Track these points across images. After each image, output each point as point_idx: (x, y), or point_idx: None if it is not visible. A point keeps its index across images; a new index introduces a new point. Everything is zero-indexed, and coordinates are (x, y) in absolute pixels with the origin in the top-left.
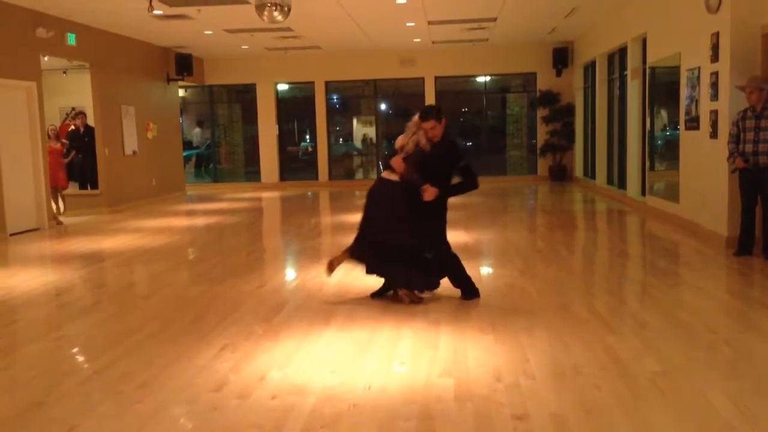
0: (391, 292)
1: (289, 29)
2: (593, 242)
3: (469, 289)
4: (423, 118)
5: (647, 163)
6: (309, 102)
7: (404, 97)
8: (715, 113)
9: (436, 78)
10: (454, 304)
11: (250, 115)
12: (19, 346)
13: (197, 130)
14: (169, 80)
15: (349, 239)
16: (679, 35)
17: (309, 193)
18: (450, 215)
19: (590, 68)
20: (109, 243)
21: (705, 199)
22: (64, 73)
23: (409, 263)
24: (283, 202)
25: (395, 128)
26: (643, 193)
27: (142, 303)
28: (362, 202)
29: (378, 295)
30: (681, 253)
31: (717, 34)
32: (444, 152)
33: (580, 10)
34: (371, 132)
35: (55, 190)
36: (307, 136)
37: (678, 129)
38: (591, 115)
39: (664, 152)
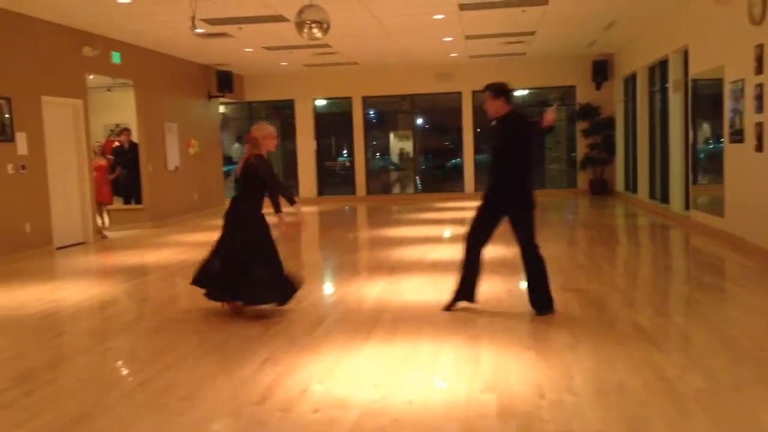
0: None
1: (327, 46)
2: (636, 257)
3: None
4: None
5: (691, 177)
6: (346, 117)
7: (441, 112)
8: (760, 126)
9: (473, 92)
10: (493, 319)
11: (288, 131)
12: (66, 359)
13: (236, 145)
14: (210, 97)
15: (387, 254)
16: (722, 47)
17: (346, 207)
18: None
19: (631, 81)
20: (152, 257)
21: (751, 213)
22: (109, 90)
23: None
24: (321, 217)
25: (432, 143)
26: (687, 208)
27: (184, 316)
28: (400, 216)
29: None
30: (727, 268)
31: (761, 46)
32: (509, 127)
33: (620, 23)
34: (408, 146)
35: (100, 205)
36: (345, 151)
37: (721, 142)
38: (632, 128)
39: (707, 165)
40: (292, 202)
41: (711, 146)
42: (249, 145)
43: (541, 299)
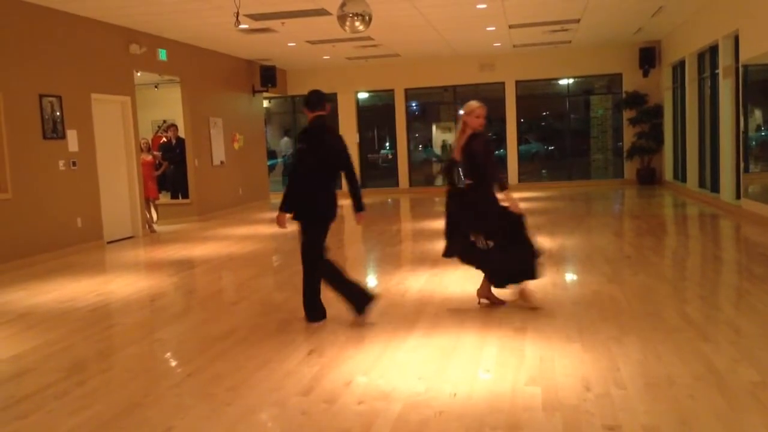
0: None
1: (369, 38)
2: (685, 247)
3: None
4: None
5: (742, 165)
6: (389, 109)
7: (484, 103)
8: None
9: (516, 82)
10: (538, 312)
11: (331, 124)
12: (116, 350)
13: (285, 139)
14: (254, 92)
15: (430, 246)
16: None
17: (389, 199)
18: (532, 220)
19: (679, 68)
20: (199, 250)
21: None
22: (156, 87)
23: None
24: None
25: None
26: (738, 197)
27: (230, 308)
28: (442, 208)
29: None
30: None
31: None
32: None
33: (668, 9)
34: (450, 138)
35: (148, 200)
36: (387, 144)
37: None
38: (681, 116)
39: (759, 153)
40: (503, 188)
41: (763, 133)
42: (460, 129)
43: (305, 304)
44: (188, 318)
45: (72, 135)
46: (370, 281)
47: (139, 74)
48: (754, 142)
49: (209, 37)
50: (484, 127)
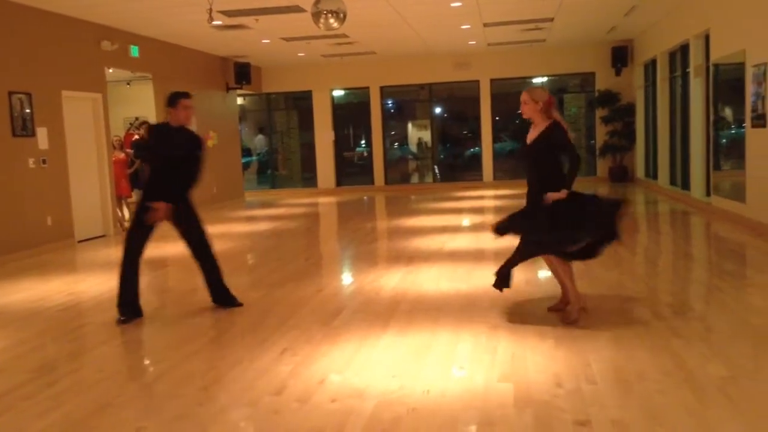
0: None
1: (344, 36)
2: (656, 244)
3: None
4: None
5: (712, 163)
6: (364, 107)
7: (459, 101)
8: None
9: (491, 80)
10: (511, 309)
11: (306, 122)
12: (87, 350)
13: (260, 136)
14: (228, 89)
15: (406, 244)
16: (744, 31)
17: (365, 197)
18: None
19: (651, 66)
20: (171, 249)
21: None
22: (128, 84)
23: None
24: (339, 207)
25: (450, 131)
26: (708, 194)
27: (203, 307)
28: (418, 206)
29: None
30: (748, 254)
31: None
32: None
33: (640, 8)
34: (426, 136)
35: (120, 198)
36: (363, 141)
37: (743, 127)
38: (652, 115)
39: (729, 151)
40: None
41: (733, 131)
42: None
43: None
44: (160, 317)
45: (42, 132)
46: (345, 279)
47: (110, 71)
48: (724, 140)
49: (182, 33)
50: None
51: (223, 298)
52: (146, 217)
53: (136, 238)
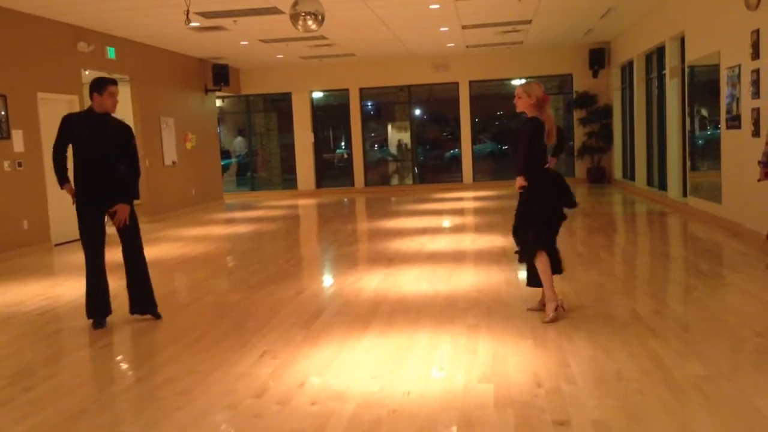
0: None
1: (323, 38)
2: (634, 245)
3: None
4: None
5: (688, 164)
6: (344, 109)
7: (438, 103)
8: (756, 111)
9: (470, 82)
10: (491, 309)
11: (286, 124)
12: (65, 355)
13: (239, 138)
14: (206, 91)
15: (386, 245)
16: (718, 33)
17: (345, 199)
18: (486, 219)
19: (628, 68)
20: (150, 252)
21: (748, 199)
22: None
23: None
24: (319, 209)
25: (430, 133)
26: (685, 194)
27: (183, 310)
28: (398, 208)
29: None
30: (724, 254)
31: (757, 32)
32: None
33: (616, 10)
34: (406, 137)
35: None
36: (343, 143)
37: (719, 128)
38: (629, 116)
39: (705, 152)
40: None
41: (709, 133)
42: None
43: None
44: (139, 321)
45: (17, 135)
46: (326, 281)
47: (87, 73)
48: (700, 141)
49: (159, 35)
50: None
51: (143, 305)
52: (114, 222)
53: (92, 246)
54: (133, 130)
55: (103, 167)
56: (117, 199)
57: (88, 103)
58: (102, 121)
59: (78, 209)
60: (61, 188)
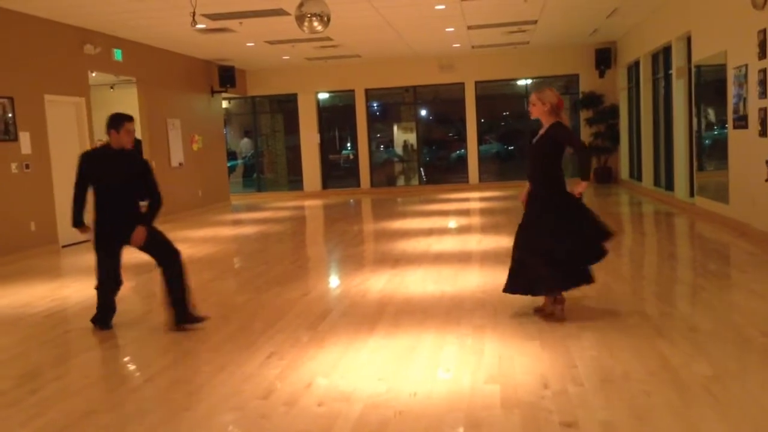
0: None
1: (328, 39)
2: (641, 245)
3: None
4: None
5: (695, 164)
6: (349, 110)
7: (444, 103)
8: (764, 111)
9: (476, 83)
10: (497, 310)
11: (291, 125)
12: (72, 356)
13: (245, 140)
14: (212, 92)
15: (392, 246)
16: (725, 33)
17: (351, 200)
18: (492, 220)
19: (634, 68)
20: None
21: (755, 199)
22: (112, 88)
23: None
24: (325, 210)
25: (435, 134)
26: (692, 194)
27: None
28: (404, 208)
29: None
30: (732, 254)
31: (764, 31)
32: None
33: (622, 10)
34: (412, 138)
35: None
36: (349, 144)
37: (726, 128)
38: (636, 116)
39: (712, 152)
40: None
41: (716, 133)
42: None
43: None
44: (146, 322)
45: (25, 137)
46: (332, 283)
47: (94, 75)
48: (707, 141)
49: (166, 37)
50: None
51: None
52: (133, 241)
53: (107, 264)
54: (142, 131)
55: (122, 203)
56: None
57: (94, 105)
58: (119, 158)
59: (97, 242)
60: (73, 227)
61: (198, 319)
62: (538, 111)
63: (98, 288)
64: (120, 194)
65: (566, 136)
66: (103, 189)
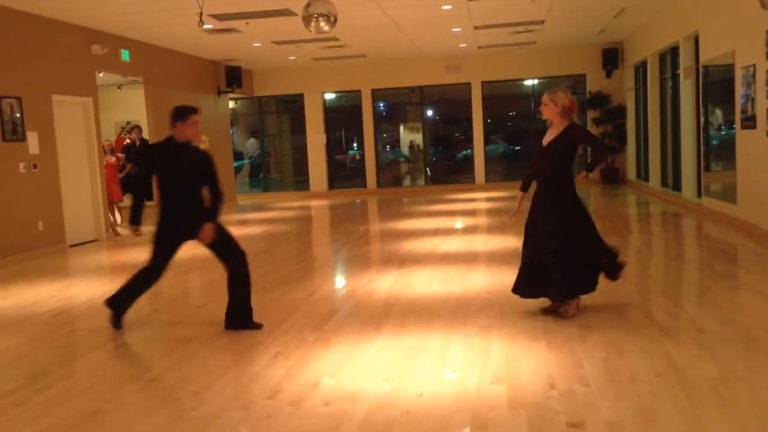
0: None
1: (335, 39)
2: (648, 246)
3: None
4: None
5: (703, 164)
6: (356, 110)
7: (450, 103)
8: None
9: (482, 83)
10: (504, 310)
11: (298, 125)
12: (79, 356)
13: (252, 140)
14: (219, 93)
15: (398, 246)
16: (733, 33)
17: (357, 200)
18: (499, 220)
19: (641, 68)
20: None
21: (763, 199)
22: (119, 88)
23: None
24: (332, 210)
25: (442, 134)
26: (699, 195)
27: (196, 311)
28: (410, 209)
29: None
30: (739, 255)
31: None
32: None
33: (630, 10)
34: (418, 138)
35: (112, 203)
36: (355, 144)
37: (734, 128)
38: (643, 116)
39: (719, 152)
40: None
41: (723, 133)
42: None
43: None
44: (153, 321)
45: (32, 137)
46: (338, 283)
47: (101, 75)
48: (714, 142)
49: (173, 37)
50: (546, 118)
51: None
52: (201, 237)
53: (161, 259)
54: (149, 131)
55: (187, 197)
56: (200, 225)
57: (102, 106)
58: (184, 151)
59: (158, 235)
60: (130, 224)
61: (257, 326)
62: (549, 112)
63: (138, 274)
64: (185, 188)
65: (587, 137)
66: (167, 182)
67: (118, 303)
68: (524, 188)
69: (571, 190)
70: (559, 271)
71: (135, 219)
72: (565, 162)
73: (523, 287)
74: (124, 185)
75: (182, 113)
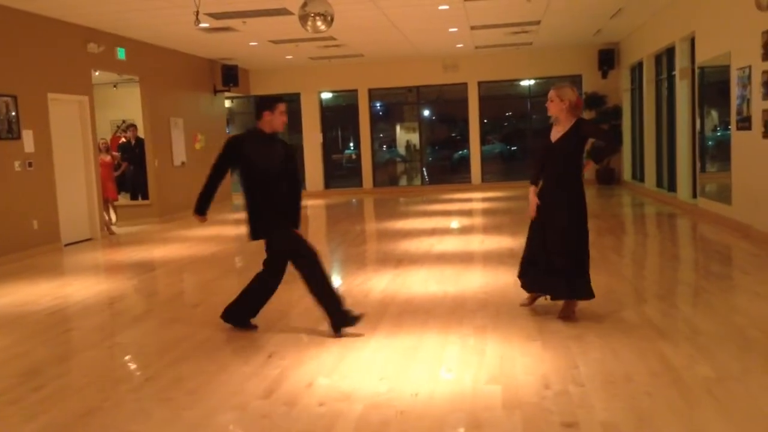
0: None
1: (332, 38)
2: (644, 246)
3: None
4: None
5: (698, 165)
6: (352, 110)
7: (447, 103)
8: (767, 113)
9: (479, 83)
10: (499, 311)
11: (294, 124)
12: (73, 354)
13: None
14: (215, 91)
15: (394, 246)
16: (729, 34)
17: (353, 200)
18: (495, 220)
19: (637, 69)
20: (159, 252)
21: (758, 200)
22: (115, 86)
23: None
24: (328, 210)
25: (438, 134)
26: (694, 196)
27: (191, 311)
28: (407, 208)
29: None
30: (734, 256)
31: None
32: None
33: (626, 11)
34: (414, 138)
35: (107, 201)
36: (351, 144)
37: (729, 129)
38: (639, 117)
39: (715, 153)
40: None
41: (719, 134)
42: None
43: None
44: (148, 321)
45: (28, 135)
46: (334, 282)
47: (97, 73)
48: (710, 143)
49: (169, 35)
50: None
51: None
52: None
53: (280, 268)
54: (145, 130)
55: (278, 190)
56: (281, 224)
57: (97, 104)
58: (273, 142)
59: (253, 234)
60: (194, 214)
61: (358, 318)
62: (556, 108)
63: (255, 282)
64: (277, 181)
65: (597, 131)
66: (257, 175)
67: (237, 318)
68: (535, 182)
69: (581, 187)
70: (569, 269)
71: (202, 209)
72: (575, 158)
73: (529, 280)
74: (119, 184)
75: (269, 103)
